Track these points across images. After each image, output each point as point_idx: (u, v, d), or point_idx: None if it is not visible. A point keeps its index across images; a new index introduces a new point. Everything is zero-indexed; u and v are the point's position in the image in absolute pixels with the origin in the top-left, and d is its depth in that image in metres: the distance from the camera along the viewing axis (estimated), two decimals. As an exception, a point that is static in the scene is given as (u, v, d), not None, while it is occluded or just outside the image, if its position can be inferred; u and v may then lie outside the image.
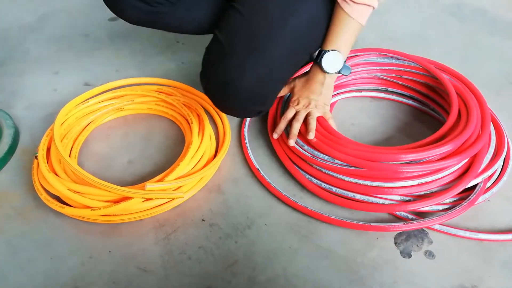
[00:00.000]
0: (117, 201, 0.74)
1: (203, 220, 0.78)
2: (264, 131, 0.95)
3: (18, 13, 1.48)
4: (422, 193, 0.74)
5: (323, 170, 0.79)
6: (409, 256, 0.70)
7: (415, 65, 0.97)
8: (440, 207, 0.74)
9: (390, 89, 1.01)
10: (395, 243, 0.72)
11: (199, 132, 0.88)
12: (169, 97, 0.98)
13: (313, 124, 0.82)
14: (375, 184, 0.74)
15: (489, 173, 0.76)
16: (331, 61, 0.83)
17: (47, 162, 0.81)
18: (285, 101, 0.98)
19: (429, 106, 0.97)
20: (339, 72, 0.85)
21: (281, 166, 0.87)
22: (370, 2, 0.78)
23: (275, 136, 0.88)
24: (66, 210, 0.75)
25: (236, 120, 0.99)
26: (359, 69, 1.01)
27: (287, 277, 0.69)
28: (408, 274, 0.68)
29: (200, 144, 0.86)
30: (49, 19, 1.44)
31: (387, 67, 1.00)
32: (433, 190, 0.74)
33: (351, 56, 0.99)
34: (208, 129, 0.90)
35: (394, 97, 1.01)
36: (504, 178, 0.79)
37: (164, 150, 0.92)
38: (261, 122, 0.98)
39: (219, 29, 0.79)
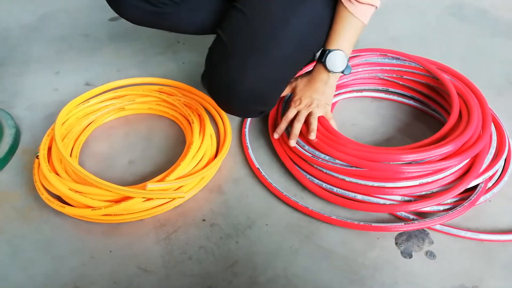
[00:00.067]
0: (118, 201, 0.74)
1: (203, 220, 0.78)
2: (265, 131, 0.95)
3: (18, 13, 1.48)
4: (423, 193, 0.74)
5: (324, 170, 0.79)
6: (410, 256, 0.70)
7: (416, 66, 0.97)
8: (441, 208, 0.74)
9: (391, 89, 1.01)
10: (396, 244, 0.72)
11: (200, 132, 0.88)
12: (170, 97, 0.98)
13: (314, 124, 0.82)
14: (376, 184, 0.74)
15: (490, 173, 0.76)
16: (336, 60, 0.83)
17: (48, 162, 0.81)
18: (285, 101, 0.98)
19: (430, 107, 0.97)
20: (342, 72, 0.85)
21: (282, 166, 0.87)
22: (374, 1, 0.79)
23: (276, 136, 0.88)
24: (67, 209, 0.75)
25: (237, 120, 0.99)
26: (360, 69, 1.01)
27: (287, 277, 0.69)
28: (409, 274, 0.68)
29: (201, 144, 0.86)
30: (50, 19, 1.45)
31: (388, 68, 1.00)
32: (434, 190, 0.74)
33: (352, 56, 0.99)
34: (209, 129, 0.90)
35: (395, 97, 1.01)
36: (505, 178, 0.79)
37: (165, 150, 0.92)
38: (261, 122, 0.98)
39: (221, 29, 0.79)
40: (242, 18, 0.78)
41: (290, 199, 0.79)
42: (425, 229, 0.74)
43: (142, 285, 0.69)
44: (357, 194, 0.75)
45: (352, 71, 0.99)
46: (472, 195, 0.74)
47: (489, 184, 0.78)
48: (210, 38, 0.84)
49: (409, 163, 0.74)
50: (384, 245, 0.72)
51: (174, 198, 0.78)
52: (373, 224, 0.72)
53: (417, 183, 0.73)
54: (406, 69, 0.98)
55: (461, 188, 0.73)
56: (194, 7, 0.87)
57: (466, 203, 0.72)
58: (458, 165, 0.75)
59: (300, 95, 0.89)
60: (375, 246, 0.72)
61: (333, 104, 0.99)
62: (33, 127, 0.99)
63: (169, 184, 0.76)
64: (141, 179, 0.85)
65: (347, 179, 0.76)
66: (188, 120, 0.94)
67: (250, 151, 0.89)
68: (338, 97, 1.01)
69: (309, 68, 0.96)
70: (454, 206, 0.74)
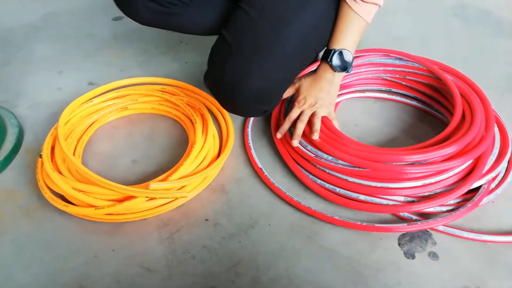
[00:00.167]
0: (121, 200, 0.75)
1: (206, 220, 0.78)
2: (268, 131, 0.95)
3: (22, 13, 1.49)
4: (426, 194, 0.74)
5: (327, 171, 0.79)
6: (413, 257, 0.70)
7: (419, 66, 0.97)
8: (444, 208, 0.74)
9: (393, 90, 1.01)
10: (399, 244, 0.72)
11: (202, 132, 0.88)
12: (173, 96, 0.98)
13: (318, 124, 0.82)
14: (379, 184, 0.74)
15: (493, 174, 0.76)
16: (341, 60, 0.83)
17: (52, 161, 0.82)
18: (288, 101, 0.98)
19: (433, 107, 0.97)
20: (347, 71, 0.85)
21: (285, 166, 0.87)
22: (377, 0, 0.79)
23: (279, 136, 0.88)
24: (70, 209, 0.75)
25: (239, 120, 0.99)
26: (363, 70, 1.01)
27: (290, 277, 0.69)
28: (411, 275, 0.68)
29: (204, 144, 0.86)
30: (53, 19, 1.45)
31: (391, 68, 1.00)
32: (437, 191, 0.74)
33: (355, 57, 0.99)
34: (212, 129, 0.90)
35: (398, 98, 1.01)
36: (508, 179, 0.79)
37: (168, 149, 0.93)
38: (264, 122, 0.98)
39: (226, 29, 0.79)
40: (247, 18, 0.78)
41: (292, 199, 0.79)
42: (428, 230, 0.74)
43: (145, 284, 0.69)
44: (360, 194, 0.75)
45: (355, 71, 1.00)
46: (475, 196, 0.74)
47: (492, 185, 0.78)
48: (212, 38, 0.85)
49: (412, 164, 0.74)
50: (387, 246, 0.72)
51: (177, 198, 0.78)
52: (376, 225, 0.72)
53: (420, 184, 0.73)
54: (409, 70, 0.98)
55: (464, 189, 0.73)
56: (202, 8, 0.88)
57: (469, 204, 0.72)
58: (461, 166, 0.75)
59: (304, 94, 0.89)
60: (378, 247, 0.72)
61: (336, 104, 0.99)
62: (36, 126, 0.99)
63: (172, 184, 0.76)
64: (144, 179, 0.85)
65: (350, 179, 0.76)
66: (190, 120, 0.94)
67: (252, 151, 0.89)
68: (340, 97, 1.01)
69: (311, 68, 0.96)
70: (457, 207, 0.74)
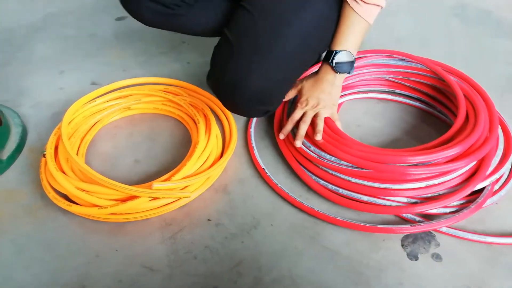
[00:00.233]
0: (124, 200, 0.75)
1: (209, 220, 0.78)
2: (271, 131, 0.95)
3: (24, 13, 1.49)
4: (429, 195, 0.74)
5: (330, 171, 0.79)
6: (416, 258, 0.70)
7: (422, 67, 0.97)
8: (448, 210, 0.74)
9: (396, 90, 1.01)
10: (402, 245, 0.72)
11: (205, 132, 0.88)
12: (176, 97, 0.99)
13: (320, 125, 0.82)
14: (382, 185, 0.74)
15: (496, 176, 0.76)
16: (343, 61, 0.83)
17: (55, 160, 0.82)
18: (291, 102, 0.98)
19: (436, 108, 0.96)
20: (348, 72, 0.85)
21: (287, 167, 0.87)
22: (379, 1, 0.79)
23: (282, 137, 0.88)
24: (73, 208, 0.75)
25: (242, 120, 0.99)
26: (366, 71, 1.01)
27: (292, 277, 0.69)
28: (414, 276, 0.68)
29: (207, 144, 0.86)
30: (55, 19, 1.46)
31: (394, 69, 0.99)
32: (441, 192, 0.74)
33: (358, 57, 0.99)
34: (215, 129, 0.90)
35: (401, 99, 1.01)
36: (512, 181, 0.79)
37: (171, 149, 0.93)
38: (267, 122, 0.98)
39: (228, 29, 0.79)
40: (249, 17, 0.78)
41: (295, 199, 0.79)
42: (431, 231, 0.74)
43: (146, 284, 0.69)
44: (362, 195, 0.75)
45: (357, 72, 1.00)
46: (479, 198, 0.73)
47: (496, 187, 0.77)
48: (215, 39, 0.85)
49: (416, 165, 0.74)
50: (389, 247, 0.72)
51: (180, 198, 0.78)
52: (379, 226, 0.72)
53: (424, 185, 0.73)
54: (412, 71, 0.98)
55: (468, 191, 0.72)
56: (205, 9, 0.88)
57: (473, 206, 0.72)
58: (464, 168, 0.74)
59: (306, 95, 0.89)
60: (380, 248, 0.72)
61: (339, 105, 0.99)
62: (39, 126, 1.00)
63: (175, 184, 0.76)
64: (146, 179, 0.85)
65: (353, 180, 0.76)
66: (193, 120, 0.94)
67: (255, 151, 0.89)
68: (343, 98, 1.01)
69: (314, 69, 0.96)
70: (460, 208, 0.74)
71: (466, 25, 1.34)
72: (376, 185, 0.74)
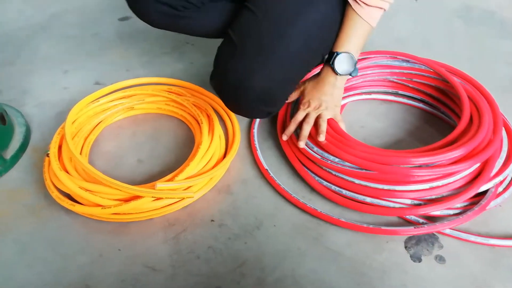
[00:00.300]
0: (127, 200, 0.75)
1: (212, 220, 0.78)
2: (274, 132, 0.95)
3: (28, 12, 1.50)
4: (433, 197, 0.74)
5: (333, 173, 0.79)
6: (419, 260, 0.70)
7: (425, 68, 0.96)
8: (451, 212, 0.74)
9: (400, 92, 1.01)
10: (405, 247, 0.72)
11: (209, 133, 0.88)
12: (179, 97, 0.99)
13: (323, 126, 0.82)
14: (385, 187, 0.74)
15: (500, 178, 0.76)
16: (344, 63, 0.83)
17: (59, 160, 0.82)
18: (294, 103, 0.98)
19: (440, 110, 0.96)
20: (350, 74, 0.85)
21: (291, 168, 0.87)
22: (382, 4, 0.79)
23: (285, 138, 0.88)
24: (77, 208, 0.76)
25: (245, 121, 0.99)
26: (369, 72, 1.00)
27: (295, 278, 0.69)
28: (417, 278, 0.68)
29: (210, 144, 0.86)
30: (59, 19, 1.46)
31: (397, 70, 0.99)
32: (444, 194, 0.74)
33: (362, 59, 0.99)
34: (218, 129, 0.90)
35: (404, 100, 1.01)
36: (516, 183, 0.79)
37: (174, 150, 0.93)
38: (270, 123, 0.98)
39: (232, 29, 0.79)
40: (252, 18, 0.78)
41: (298, 200, 0.79)
42: (435, 233, 0.73)
43: (149, 284, 0.69)
44: (366, 196, 0.75)
45: (361, 73, 0.99)
46: (483, 200, 0.73)
47: (500, 189, 0.77)
48: (218, 40, 0.85)
49: (419, 167, 0.73)
50: (393, 249, 0.72)
51: (183, 198, 0.78)
52: (382, 227, 0.72)
53: (427, 187, 0.73)
54: (416, 72, 0.97)
55: (472, 193, 0.72)
56: (212, 11, 0.88)
57: (477, 208, 0.72)
58: (468, 169, 0.74)
59: (308, 97, 0.89)
60: (384, 249, 0.72)
61: (342, 106, 0.99)
62: (42, 125, 1.00)
63: (178, 184, 0.76)
64: (150, 179, 0.85)
65: (356, 181, 0.76)
66: (197, 120, 0.94)
67: (258, 152, 0.89)
68: (346, 99, 1.01)
69: (316, 70, 0.96)
70: (464, 210, 0.73)
71: (469, 26, 1.34)
72: (380, 186, 0.74)
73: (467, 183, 0.74)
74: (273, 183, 0.83)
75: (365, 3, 0.78)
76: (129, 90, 1.01)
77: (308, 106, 0.87)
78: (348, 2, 0.80)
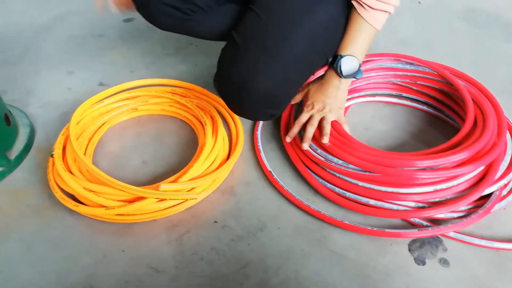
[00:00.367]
0: (131, 201, 0.75)
1: (215, 221, 0.78)
2: (277, 134, 0.95)
3: (33, 13, 1.50)
4: (437, 200, 0.73)
5: (337, 175, 0.79)
6: (423, 263, 0.70)
7: (429, 71, 0.96)
8: (455, 215, 0.74)
9: (404, 94, 1.01)
10: (409, 250, 0.72)
11: (212, 134, 0.88)
12: (183, 98, 0.99)
13: (327, 128, 0.82)
14: (389, 189, 0.73)
15: (505, 181, 0.75)
16: (348, 66, 0.83)
17: (63, 160, 0.82)
18: (298, 105, 0.98)
19: (444, 113, 0.96)
20: (354, 77, 0.85)
21: (294, 170, 0.87)
22: (387, 8, 0.79)
23: (288, 140, 0.88)
24: (80, 208, 0.76)
25: (249, 123, 0.99)
26: (373, 74, 1.00)
27: (298, 280, 0.68)
28: (421, 281, 0.68)
29: (214, 146, 0.86)
30: (64, 20, 1.46)
31: (401, 73, 0.99)
32: (448, 197, 0.73)
33: (366, 61, 0.99)
34: (222, 131, 0.90)
35: (408, 102, 1.01)
36: (520, 186, 0.78)
37: (177, 151, 0.93)
38: (274, 125, 0.98)
39: (236, 31, 0.79)
40: (257, 20, 0.78)
41: (302, 202, 0.78)
42: (439, 236, 0.73)
43: (153, 285, 0.69)
44: (370, 199, 0.75)
45: (365, 75, 0.99)
46: (487, 203, 0.73)
47: (504, 192, 0.77)
48: (222, 41, 0.85)
49: (423, 169, 0.73)
50: (396, 251, 0.72)
51: (187, 199, 0.78)
52: (386, 230, 0.72)
53: (431, 190, 0.73)
54: (420, 74, 0.97)
55: (476, 196, 0.72)
56: (219, 14, 0.88)
57: (481, 211, 0.72)
58: (472, 172, 0.74)
59: (312, 99, 0.89)
60: (387, 252, 0.72)
61: (346, 108, 0.99)
62: (46, 126, 1.00)
63: (182, 185, 0.77)
64: (153, 180, 0.86)
65: (360, 183, 0.76)
66: (200, 122, 0.94)
67: (262, 154, 0.89)
68: (350, 101, 1.01)
69: (320, 72, 0.96)
70: (468, 213, 0.73)
71: (473, 29, 1.33)
72: (384, 189, 0.74)
73: (471, 186, 0.74)
74: (277, 185, 0.83)
75: (370, 7, 0.78)
76: (133, 91, 1.02)
77: (312, 108, 0.87)
78: (352, 5, 0.80)
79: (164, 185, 0.75)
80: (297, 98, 0.93)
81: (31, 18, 1.47)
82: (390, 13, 0.80)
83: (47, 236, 0.76)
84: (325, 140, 0.80)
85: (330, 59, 0.87)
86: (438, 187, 0.72)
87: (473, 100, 0.86)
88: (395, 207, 0.74)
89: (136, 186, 0.75)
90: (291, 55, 0.76)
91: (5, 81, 1.15)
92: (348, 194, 0.77)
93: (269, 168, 0.86)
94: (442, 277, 0.68)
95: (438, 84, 0.96)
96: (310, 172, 0.83)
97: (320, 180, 0.81)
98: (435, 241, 0.73)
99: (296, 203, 0.79)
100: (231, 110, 0.84)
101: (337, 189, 0.78)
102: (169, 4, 0.81)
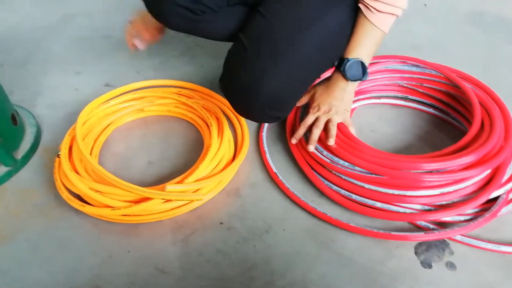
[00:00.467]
0: (137, 202, 0.75)
1: (221, 223, 0.78)
2: (283, 136, 0.95)
3: (40, 14, 1.51)
4: (444, 203, 0.73)
5: (343, 177, 0.79)
6: (430, 266, 0.70)
7: (436, 74, 0.96)
8: (462, 218, 0.73)
9: (410, 96, 1.00)
10: (416, 253, 0.72)
11: (218, 135, 0.88)
12: (189, 99, 0.99)
13: (333, 130, 0.82)
14: (396, 192, 0.73)
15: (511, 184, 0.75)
16: (354, 69, 0.83)
17: (69, 160, 0.82)
18: (304, 107, 0.98)
19: (450, 115, 0.96)
20: (360, 80, 0.85)
21: (300, 172, 0.87)
22: (394, 10, 0.78)
23: (294, 141, 0.88)
24: (86, 209, 0.76)
25: (254, 124, 0.99)
26: (379, 76, 1.00)
27: (305, 282, 0.68)
28: (428, 284, 0.67)
29: (219, 147, 0.86)
30: (71, 21, 1.47)
31: (408, 75, 0.99)
32: (455, 200, 0.73)
33: (372, 63, 0.99)
34: (227, 132, 0.91)
35: (415, 105, 1.00)
36: (528, 190, 0.78)
37: (183, 152, 0.93)
38: (279, 127, 0.98)
39: (243, 33, 0.79)
40: (264, 22, 0.78)
41: (308, 204, 0.78)
42: (445, 239, 0.73)
43: (158, 286, 0.69)
44: (376, 201, 0.75)
45: (371, 77, 0.99)
46: (494, 206, 0.73)
47: (511, 196, 0.76)
48: (229, 43, 0.85)
49: (430, 172, 0.73)
50: (403, 254, 0.71)
51: (193, 200, 0.78)
52: (393, 233, 0.71)
53: (438, 193, 0.72)
54: (427, 77, 0.97)
55: (483, 199, 0.72)
56: (228, 15, 0.88)
57: (488, 214, 0.71)
58: (479, 176, 0.74)
59: (318, 101, 0.89)
60: (394, 255, 0.71)
61: (352, 110, 0.99)
62: (53, 126, 1.01)
63: (188, 186, 0.77)
64: (159, 180, 0.86)
65: (367, 186, 0.76)
66: (206, 123, 0.94)
67: (267, 155, 0.89)
68: (356, 103, 1.01)
69: (327, 74, 0.96)
70: (475, 216, 0.73)
71: (482, 32, 1.33)
72: (390, 191, 0.74)
73: (478, 189, 0.74)
74: (282, 186, 0.83)
75: (377, 10, 0.78)
76: (139, 92, 1.02)
77: (318, 110, 0.87)
78: (360, 8, 0.80)
79: (170, 186, 0.75)
80: (303, 100, 0.93)
81: (39, 19, 1.48)
82: (397, 16, 0.80)
83: (53, 236, 0.77)
84: (331, 142, 0.80)
85: (337, 62, 0.87)
86: (445, 190, 0.72)
87: (480, 103, 0.85)
88: (401, 209, 0.73)
89: (142, 186, 0.76)
90: (299, 60, 0.76)
91: (13, 82, 1.15)
92: (354, 196, 0.77)
93: (275, 170, 0.86)
94: (449, 280, 0.68)
95: (445, 87, 0.95)
96: (316, 174, 0.83)
97: (326, 182, 0.81)
98: (441, 244, 0.72)
99: (301, 205, 0.79)
100: (237, 111, 0.84)
101: (343, 191, 0.78)
102: (179, 4, 0.81)
